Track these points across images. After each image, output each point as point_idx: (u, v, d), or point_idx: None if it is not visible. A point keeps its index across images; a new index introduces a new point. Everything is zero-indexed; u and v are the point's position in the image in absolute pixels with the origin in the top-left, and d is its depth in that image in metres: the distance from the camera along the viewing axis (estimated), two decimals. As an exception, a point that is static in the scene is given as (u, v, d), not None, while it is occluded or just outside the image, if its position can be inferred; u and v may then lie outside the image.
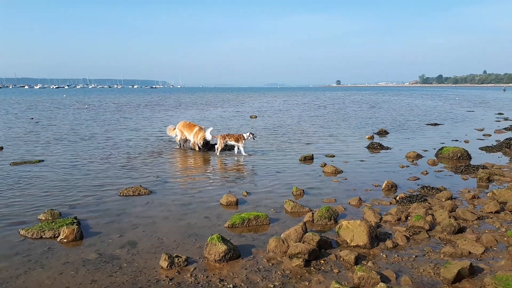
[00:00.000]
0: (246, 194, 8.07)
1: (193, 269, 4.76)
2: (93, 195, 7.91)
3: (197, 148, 13.21)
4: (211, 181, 9.29)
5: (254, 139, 12.87)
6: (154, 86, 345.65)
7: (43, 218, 6.48)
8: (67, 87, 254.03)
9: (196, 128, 13.38)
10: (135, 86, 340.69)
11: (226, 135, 12.73)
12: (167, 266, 4.75)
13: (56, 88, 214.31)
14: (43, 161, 11.30)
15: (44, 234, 5.78)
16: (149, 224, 6.35)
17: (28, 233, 5.80)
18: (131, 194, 7.94)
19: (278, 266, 4.86)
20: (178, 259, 4.86)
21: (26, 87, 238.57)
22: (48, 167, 10.52)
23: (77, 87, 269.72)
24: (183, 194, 8.09)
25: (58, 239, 5.67)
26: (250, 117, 27.92)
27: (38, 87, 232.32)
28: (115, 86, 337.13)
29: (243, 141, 12.54)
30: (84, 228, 6.06)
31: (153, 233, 5.96)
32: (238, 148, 12.60)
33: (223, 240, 5.07)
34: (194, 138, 13.27)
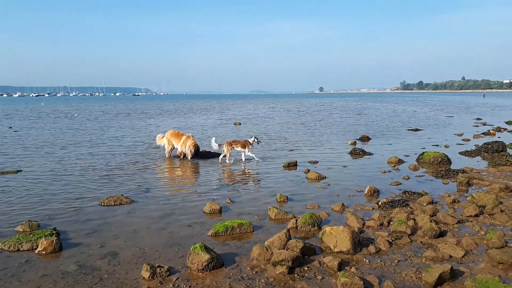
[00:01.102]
0: (229, 201, 8.03)
1: (176, 279, 4.69)
2: (73, 205, 7.75)
3: (189, 157, 12.98)
4: (194, 189, 9.21)
5: (258, 143, 13.10)
6: (136, 94, 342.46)
7: (21, 230, 6.31)
8: (47, 95, 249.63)
9: (184, 137, 13.23)
10: (117, 94, 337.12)
11: (233, 142, 12.77)
12: (149, 277, 4.67)
13: (36, 96, 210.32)
14: (21, 171, 11.04)
15: (21, 247, 5.62)
16: (131, 234, 6.24)
17: (4, 245, 5.63)
18: (112, 203, 7.81)
19: (261, 274, 4.83)
20: (160, 269, 4.78)
21: (5, 95, 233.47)
22: (27, 177, 10.29)
23: (58, 95, 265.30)
24: (165, 203, 8.00)
25: (36, 251, 5.52)
26: (234, 124, 27.92)
27: (17, 95, 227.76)
28: (97, 94, 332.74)
29: (250, 146, 12.67)
30: (63, 239, 5.93)
31: (134, 243, 5.86)
32: (245, 154, 12.69)
33: (206, 249, 5.02)
34: (182, 147, 13.11)
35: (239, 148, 12.66)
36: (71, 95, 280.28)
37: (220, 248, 5.60)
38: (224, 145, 12.57)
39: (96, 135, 20.65)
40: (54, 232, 6.05)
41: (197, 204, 7.84)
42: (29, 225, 6.40)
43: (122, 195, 8.18)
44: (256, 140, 12.85)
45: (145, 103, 79.19)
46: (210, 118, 34.95)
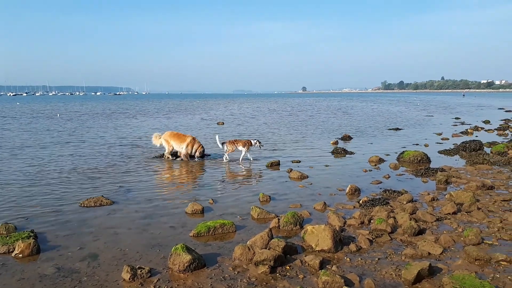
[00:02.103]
0: (212, 202, 8.00)
1: (157, 281, 4.65)
2: (52, 207, 7.60)
3: (188, 159, 12.94)
4: (176, 190, 9.14)
5: (260, 147, 12.94)
6: (118, 93, 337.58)
7: (-3, 233, 6.14)
8: (25, 94, 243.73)
9: (188, 139, 13.04)
10: (98, 93, 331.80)
11: (235, 141, 12.77)
12: (129, 278, 4.61)
13: (13, 95, 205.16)
14: (-3, 172, 10.76)
15: (-3, 250, 5.48)
16: (111, 236, 6.16)
17: (-21, 249, 5.48)
18: (93, 205, 7.69)
19: (243, 273, 4.83)
20: (141, 271, 4.73)
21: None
22: (3, 178, 10.02)
23: (37, 94, 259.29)
24: (147, 203, 7.91)
25: (13, 254, 5.39)
26: (217, 123, 27.84)
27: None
28: (77, 93, 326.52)
29: (250, 146, 12.63)
30: (41, 242, 5.80)
31: (115, 245, 5.78)
32: (244, 153, 12.64)
33: (188, 249, 4.99)
34: (187, 149, 12.92)
35: (240, 147, 12.64)
36: (50, 94, 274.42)
37: (202, 249, 5.58)
38: (226, 144, 12.61)
39: (76, 135, 20.28)
40: (32, 234, 5.91)
41: (179, 205, 7.77)
42: (5, 227, 6.23)
43: (102, 196, 8.05)
44: (258, 143, 12.74)
45: (127, 103, 78.19)
46: (193, 118, 34.76)
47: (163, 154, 13.35)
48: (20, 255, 5.36)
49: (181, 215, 7.16)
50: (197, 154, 13.05)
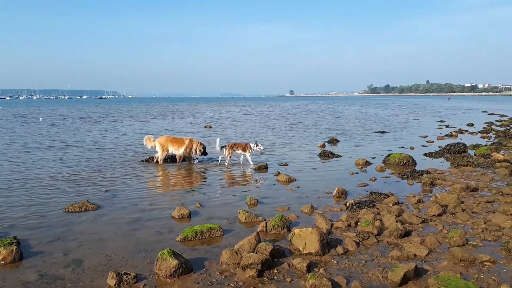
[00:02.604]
0: (199, 206, 7.95)
1: (143, 286, 4.59)
2: (36, 213, 7.45)
3: (198, 156, 13.19)
4: (163, 194, 9.07)
5: (261, 151, 12.83)
6: (104, 97, 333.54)
7: (-22, 240, 6.00)
8: (9, 98, 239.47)
9: (187, 141, 13.04)
10: (84, 97, 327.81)
11: (234, 145, 12.70)
12: (115, 284, 4.55)
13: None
14: (-21, 177, 10.53)
15: (-22, 257, 5.35)
16: (96, 241, 6.06)
17: (-41, 256, 5.34)
18: (77, 210, 7.57)
19: (231, 278, 4.80)
20: (126, 276, 4.67)
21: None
22: (-15, 184, 9.81)
23: (21, 98, 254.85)
24: (133, 208, 7.82)
25: (-5, 261, 5.27)
26: (205, 127, 27.75)
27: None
28: (63, 96, 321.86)
29: (250, 150, 12.52)
30: (24, 248, 5.68)
31: (100, 250, 5.69)
32: (245, 157, 12.60)
33: (174, 254, 4.94)
34: (186, 150, 12.93)
35: (239, 151, 12.58)
36: (35, 98, 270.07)
37: (189, 253, 5.53)
38: (226, 148, 12.56)
39: (60, 139, 19.97)
40: (14, 240, 5.78)
41: (166, 209, 7.70)
42: (-13, 234, 6.10)
43: (87, 201, 7.94)
44: (257, 146, 12.64)
45: (113, 106, 77.39)
46: (181, 121, 34.59)
47: (153, 157, 13.23)
48: (2, 262, 5.24)
49: (167, 220, 7.10)
50: (198, 152, 13.10)
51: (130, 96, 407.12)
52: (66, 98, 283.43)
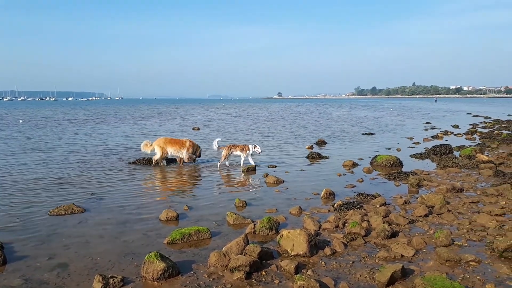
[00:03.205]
0: (187, 208, 7.90)
1: (130, 290, 4.54)
2: (20, 216, 7.32)
3: (194, 161, 13.27)
4: (150, 196, 8.98)
5: (259, 153, 12.60)
6: (90, 98, 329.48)
7: (-40, 244, 5.86)
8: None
9: (187, 143, 13.07)
10: (70, 99, 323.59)
11: (232, 146, 12.65)
12: (101, 288, 4.48)
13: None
14: (-39, 180, 10.30)
15: (-41, 262, 5.23)
16: (82, 244, 5.98)
17: None
18: (63, 213, 7.45)
19: (219, 280, 4.78)
20: (113, 280, 4.61)
21: None
22: (-32, 187, 9.61)
23: (4, 99, 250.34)
24: (119, 211, 7.73)
25: (-23, 266, 5.16)
26: (193, 129, 27.66)
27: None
28: (48, 98, 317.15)
29: (247, 151, 12.39)
30: (8, 252, 5.56)
31: (86, 254, 5.61)
32: (243, 158, 12.50)
33: (162, 257, 4.90)
34: (188, 153, 12.95)
35: (237, 152, 12.50)
36: (19, 99, 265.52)
37: (177, 256, 5.49)
38: (223, 149, 12.50)
39: (45, 142, 19.66)
40: (-2, 245, 5.67)
41: (153, 212, 7.63)
42: (-31, 238, 5.97)
43: (73, 204, 7.83)
44: (255, 148, 12.46)
45: (100, 108, 76.61)
46: (169, 123, 34.39)
47: (140, 159, 13.15)
48: (-15, 267, 5.13)
49: (155, 222, 7.04)
50: (197, 154, 13.27)
51: (117, 98, 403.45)
52: (51, 100, 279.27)
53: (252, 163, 12.42)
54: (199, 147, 13.42)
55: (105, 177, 10.94)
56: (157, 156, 12.82)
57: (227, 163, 12.67)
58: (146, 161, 13.06)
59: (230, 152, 12.49)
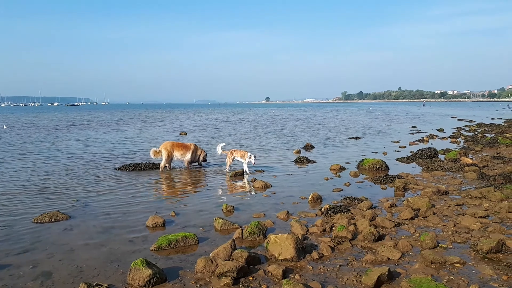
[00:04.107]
0: (174, 214, 7.84)
1: (115, 298, 4.48)
2: (3, 224, 7.18)
3: (201, 164, 13.60)
4: (136, 203, 8.86)
5: (252, 162, 12.19)
6: (76, 104, 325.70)
7: None
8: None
9: (193, 147, 13.37)
10: (55, 104, 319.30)
11: (234, 151, 12.59)
12: (86, 297, 4.42)
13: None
14: None
15: None
16: (67, 252, 5.89)
17: None
18: (47, 220, 7.33)
19: (206, 286, 4.75)
20: (98, 288, 4.55)
21: None
22: (-52, 195, 9.38)
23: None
24: (105, 217, 7.64)
25: (-43, 276, 5.03)
26: (180, 133, 27.53)
27: None
28: (32, 103, 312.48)
29: (246, 158, 12.20)
30: (-10, 262, 5.45)
31: (71, 262, 5.53)
32: (245, 163, 12.32)
33: (148, 264, 4.85)
34: (192, 156, 13.25)
35: (238, 158, 12.40)
36: (3, 105, 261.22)
37: (163, 263, 5.44)
38: (227, 153, 12.50)
39: (29, 148, 19.34)
40: (-21, 254, 5.55)
41: (139, 218, 7.56)
42: (-51, 247, 5.83)
43: (58, 211, 7.72)
44: (250, 158, 12.10)
45: (86, 114, 75.71)
46: (157, 128, 34.15)
47: (126, 164, 13.06)
48: (-34, 277, 5.01)
49: (141, 229, 6.97)
50: (201, 158, 13.58)
51: (103, 103, 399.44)
52: (36, 105, 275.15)
53: (247, 171, 12.22)
54: (204, 151, 13.70)
55: (91, 183, 10.80)
56: (163, 159, 12.95)
57: (227, 168, 12.60)
58: (133, 167, 12.95)
59: (232, 157, 12.44)
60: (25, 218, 7.55)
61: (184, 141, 14.73)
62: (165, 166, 13.04)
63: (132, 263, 4.86)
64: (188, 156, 13.18)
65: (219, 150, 12.72)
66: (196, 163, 13.71)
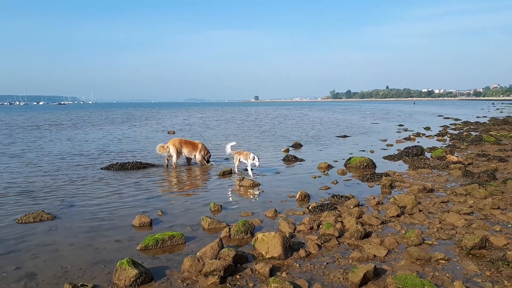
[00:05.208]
0: (161, 213, 7.79)
1: (101, 298, 4.43)
2: (-15, 225, 7.05)
3: (204, 163, 13.70)
4: (123, 202, 8.77)
5: (256, 162, 11.64)
6: (62, 103, 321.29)
7: None
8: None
9: (200, 145, 13.68)
10: (41, 103, 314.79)
11: (240, 152, 12.37)
12: (70, 298, 4.36)
13: None
14: None
15: None
16: (52, 253, 5.81)
17: None
18: (32, 220, 7.22)
19: (193, 285, 4.73)
20: (83, 289, 4.49)
21: None
22: None
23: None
24: (91, 217, 7.55)
25: None
26: (168, 132, 27.38)
27: None
28: (17, 102, 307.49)
29: (248, 159, 11.71)
30: (-28, 263, 5.35)
31: (55, 262, 5.45)
32: (249, 164, 11.85)
33: (134, 263, 4.81)
34: (201, 154, 13.56)
35: (242, 158, 12.09)
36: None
37: (150, 262, 5.40)
38: (234, 153, 12.38)
39: (12, 148, 19.05)
40: (-39, 255, 5.44)
41: (126, 218, 7.48)
42: None
43: (43, 211, 7.60)
44: (254, 158, 11.51)
45: (73, 113, 74.75)
46: (146, 127, 33.90)
47: (112, 164, 12.95)
48: None
49: (128, 229, 6.90)
50: (205, 158, 13.77)
51: (91, 102, 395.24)
52: (21, 104, 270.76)
53: (250, 173, 11.81)
54: (209, 151, 13.97)
55: (77, 183, 10.66)
56: (173, 157, 13.19)
57: (236, 171, 12.37)
58: (119, 167, 12.82)
59: (239, 157, 12.21)
60: (9, 218, 7.43)
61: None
62: (168, 161, 13.32)
63: (118, 263, 4.81)
64: (196, 153, 13.52)
65: (228, 149, 12.53)
66: (197, 162, 13.82)
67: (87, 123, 39.54)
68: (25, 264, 5.40)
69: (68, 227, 7.00)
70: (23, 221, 7.19)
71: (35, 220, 7.25)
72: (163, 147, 13.32)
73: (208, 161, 13.84)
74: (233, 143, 12.90)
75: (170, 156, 13.30)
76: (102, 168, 12.84)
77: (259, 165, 11.50)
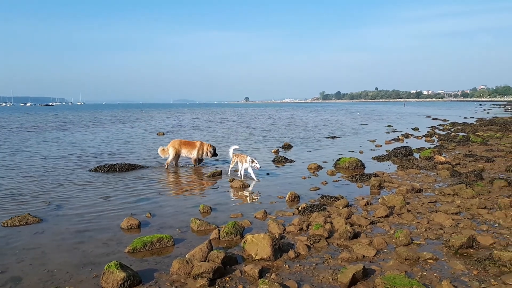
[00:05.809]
0: (150, 215, 7.72)
1: (88, 302, 4.37)
2: (-31, 229, 6.91)
3: (209, 157, 13.98)
4: (111, 204, 8.67)
5: (258, 166, 11.39)
6: (50, 104, 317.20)
7: None
8: None
9: (198, 143, 13.79)
10: (28, 104, 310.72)
11: (239, 154, 12.12)
12: (56, 302, 4.29)
13: None
14: None
15: None
16: (38, 256, 5.71)
17: None
18: (17, 223, 7.11)
19: (181, 288, 4.69)
20: (70, 293, 4.42)
21: None
22: None
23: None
24: (78, 219, 7.45)
25: None
26: (157, 134, 27.21)
27: None
28: (4, 104, 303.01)
29: (244, 162, 11.40)
30: (-45, 268, 5.24)
31: (42, 266, 5.37)
32: (251, 167, 11.46)
33: (122, 266, 4.75)
34: (199, 153, 13.69)
35: (239, 161, 11.73)
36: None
37: (138, 265, 5.35)
38: (233, 156, 12.18)
39: (0, 150, 18.76)
40: None
41: (114, 220, 7.40)
42: None
43: (29, 213, 7.48)
44: (252, 161, 11.22)
45: (61, 114, 73.84)
46: (135, 129, 33.64)
47: (100, 166, 12.80)
48: None
49: (116, 231, 6.83)
50: (209, 154, 13.87)
51: (79, 103, 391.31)
52: (8, 105, 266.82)
53: (253, 175, 11.46)
54: (211, 145, 14.02)
55: (64, 185, 10.52)
56: (169, 157, 13.31)
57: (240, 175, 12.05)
58: (108, 168, 12.69)
59: (235, 161, 11.94)
60: (-6, 222, 7.30)
61: (161, 142, 14.58)
62: (171, 163, 13.44)
63: (106, 266, 4.75)
64: (194, 153, 13.57)
65: (231, 153, 12.35)
66: (201, 159, 14.03)
67: (76, 125, 39.10)
68: (10, 268, 5.31)
69: (55, 229, 6.90)
70: (9, 224, 7.07)
71: (21, 223, 7.14)
72: (164, 150, 13.52)
73: (215, 154, 14.06)
74: (236, 146, 12.79)
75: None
76: (90, 170, 12.70)
77: (259, 167, 11.33)
